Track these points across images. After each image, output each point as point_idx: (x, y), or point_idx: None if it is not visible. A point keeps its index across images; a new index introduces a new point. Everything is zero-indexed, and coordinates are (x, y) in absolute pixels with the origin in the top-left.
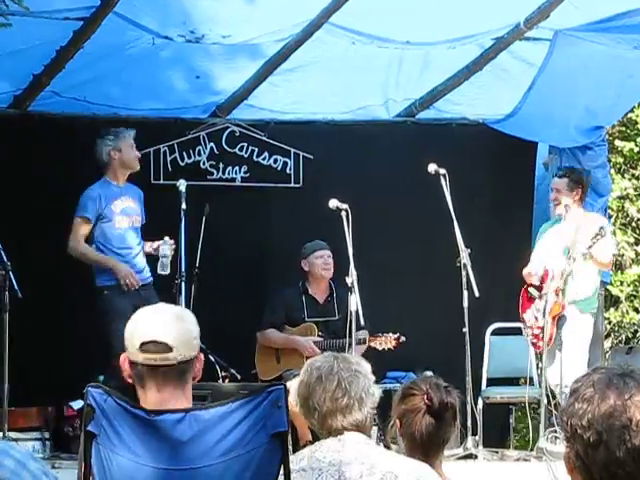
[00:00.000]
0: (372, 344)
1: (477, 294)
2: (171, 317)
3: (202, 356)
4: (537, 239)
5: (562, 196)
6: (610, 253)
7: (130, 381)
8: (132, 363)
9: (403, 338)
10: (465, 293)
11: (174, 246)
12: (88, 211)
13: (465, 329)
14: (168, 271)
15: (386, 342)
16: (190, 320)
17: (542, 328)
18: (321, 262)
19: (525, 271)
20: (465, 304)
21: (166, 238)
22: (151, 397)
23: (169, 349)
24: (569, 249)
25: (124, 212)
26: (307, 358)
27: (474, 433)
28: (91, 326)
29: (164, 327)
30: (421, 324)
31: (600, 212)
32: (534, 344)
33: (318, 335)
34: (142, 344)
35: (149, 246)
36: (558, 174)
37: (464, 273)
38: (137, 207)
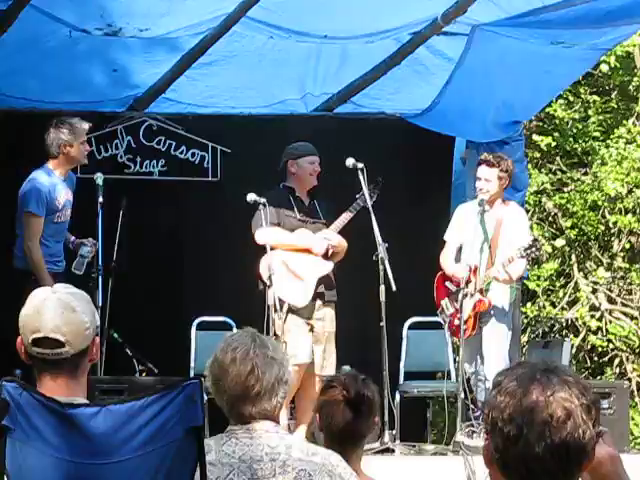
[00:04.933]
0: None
1: (394, 288)
2: (63, 309)
3: (98, 340)
4: (454, 217)
5: (490, 185)
6: (523, 271)
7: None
8: (27, 351)
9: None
10: (382, 287)
11: (95, 248)
12: (39, 206)
13: (382, 323)
14: (82, 272)
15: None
16: (83, 308)
17: (461, 321)
18: (311, 168)
19: (450, 271)
20: (382, 298)
21: (90, 239)
22: (46, 384)
23: (61, 344)
24: (490, 247)
25: (65, 206)
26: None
27: (391, 427)
28: (6, 317)
29: (55, 322)
30: (338, 318)
31: None
32: (453, 332)
33: None
34: (34, 340)
35: (67, 241)
36: (488, 162)
37: (381, 267)
38: (71, 199)
